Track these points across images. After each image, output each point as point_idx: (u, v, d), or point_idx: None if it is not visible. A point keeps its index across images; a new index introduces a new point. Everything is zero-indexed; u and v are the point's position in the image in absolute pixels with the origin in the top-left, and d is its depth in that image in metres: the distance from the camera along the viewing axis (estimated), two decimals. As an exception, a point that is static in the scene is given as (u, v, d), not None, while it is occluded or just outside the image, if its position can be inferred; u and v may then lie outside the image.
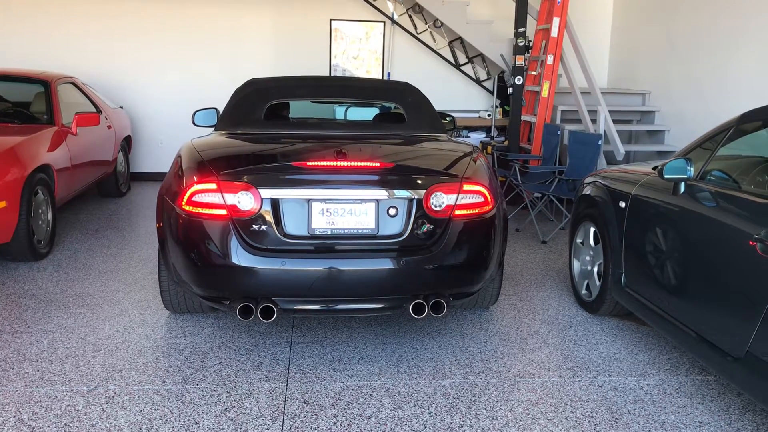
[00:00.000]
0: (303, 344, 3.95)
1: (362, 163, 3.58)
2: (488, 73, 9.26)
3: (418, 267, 3.51)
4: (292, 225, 3.47)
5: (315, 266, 3.44)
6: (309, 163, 3.54)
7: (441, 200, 3.55)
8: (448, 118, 5.38)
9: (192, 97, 9.00)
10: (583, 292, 4.64)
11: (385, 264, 3.48)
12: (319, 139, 4.13)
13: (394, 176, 3.57)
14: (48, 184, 5.61)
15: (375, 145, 4.05)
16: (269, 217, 3.45)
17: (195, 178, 3.55)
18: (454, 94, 9.34)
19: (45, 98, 6.41)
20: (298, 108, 5.87)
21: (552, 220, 7.11)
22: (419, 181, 3.57)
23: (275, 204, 3.46)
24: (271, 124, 4.47)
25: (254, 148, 4.02)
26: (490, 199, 3.69)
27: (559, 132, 7.22)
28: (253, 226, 3.45)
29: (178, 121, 8.95)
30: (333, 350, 3.88)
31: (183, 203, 3.53)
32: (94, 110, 7.29)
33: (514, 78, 7.76)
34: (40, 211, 5.47)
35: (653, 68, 8.23)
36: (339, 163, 3.53)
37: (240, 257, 3.42)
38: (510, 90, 7.99)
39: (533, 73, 8.21)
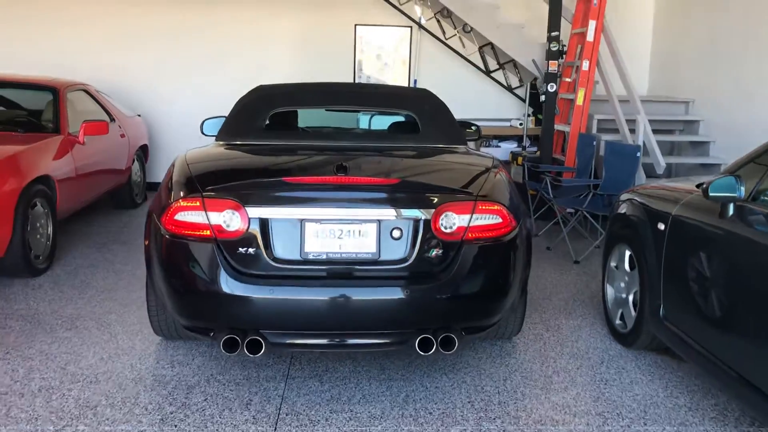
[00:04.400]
0: (300, 379, 3.56)
1: (363, 179, 3.18)
2: (520, 80, 8.81)
3: (425, 297, 3.10)
4: (283, 248, 3.09)
5: (308, 295, 3.06)
6: (302, 179, 3.16)
7: (452, 221, 3.13)
8: (472, 128, 4.95)
9: (213, 104, 8.64)
10: (618, 322, 4.17)
11: (387, 293, 3.08)
12: (324, 151, 3.75)
13: (399, 194, 3.17)
14: (48, 196, 5.33)
15: (382, 159, 3.65)
16: (257, 239, 3.07)
17: (180, 195, 3.19)
18: (485, 102, 8.90)
19: (53, 106, 6.15)
20: (315, 118, 5.50)
21: (586, 238, 6.62)
22: (428, 200, 3.16)
23: (264, 224, 3.08)
24: (274, 135, 4.11)
25: (248, 162, 3.66)
26: (509, 221, 3.25)
27: (594, 142, 6.73)
28: (240, 248, 3.08)
29: (198, 130, 8.65)
30: (332, 387, 3.48)
31: (166, 222, 3.18)
32: (107, 118, 7.03)
33: (547, 85, 7.29)
34: (38, 224, 5.18)
35: (698, 74, 7.69)
36: (335, 179, 3.14)
37: (224, 283, 3.05)
38: (543, 98, 7.52)
39: (567, 79, 7.74)
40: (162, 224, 3.21)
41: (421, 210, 3.11)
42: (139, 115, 8.20)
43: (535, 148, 8.24)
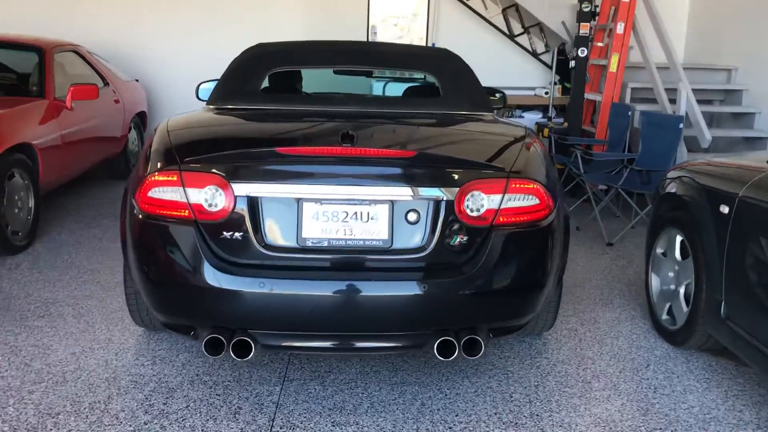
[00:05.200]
0: (298, 381, 3.07)
1: (372, 151, 2.65)
2: (546, 45, 8.18)
3: (446, 292, 2.59)
4: (276, 233, 2.58)
5: (305, 290, 2.55)
6: (300, 150, 2.64)
7: (480, 202, 2.60)
8: (497, 95, 4.38)
9: (217, 69, 8.08)
10: (664, 317, 3.63)
11: (401, 288, 2.57)
12: (328, 118, 3.21)
13: (416, 168, 2.64)
14: (28, 166, 4.83)
15: (396, 127, 3.12)
16: (245, 222, 2.56)
17: (156, 167, 2.68)
18: (508, 69, 8.28)
19: (38, 68, 5.64)
20: (322, 83, 4.94)
21: (618, 216, 6.06)
22: (451, 176, 2.63)
23: (254, 204, 2.56)
24: (272, 99, 3.58)
25: (237, 129, 3.14)
26: (547, 202, 2.72)
27: (629, 113, 6.14)
28: (224, 233, 2.56)
29: (200, 97, 8.13)
30: (336, 392, 2.99)
31: (139, 199, 2.68)
32: (99, 82, 6.51)
33: (578, 49, 6.68)
34: (16, 197, 4.70)
35: (741, 40, 7.04)
36: (340, 151, 2.61)
37: (205, 274, 2.55)
38: (572, 63, 6.91)
39: (600, 44, 7.11)
40: (135, 202, 2.71)
41: (443, 188, 2.58)
42: (136, 80, 7.66)
43: (561, 119, 7.65)
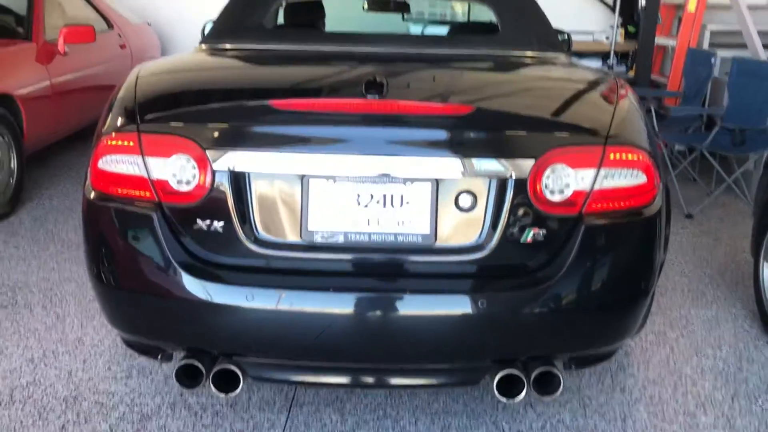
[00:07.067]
0: (310, 407, 2.35)
1: (408, 104, 1.86)
2: (608, -17, 7.21)
3: (512, 309, 1.82)
4: (272, 223, 1.82)
5: (311, 304, 1.80)
6: (304, 103, 1.86)
7: (564, 181, 1.81)
8: (560, 37, 3.54)
9: (237, 12, 7.36)
10: (783, 321, 2.83)
11: (448, 303, 1.81)
12: (350, 60, 2.40)
13: (471, 132, 1.84)
14: (8, 121, 4.14)
15: (441, 72, 2.31)
16: (228, 207, 1.81)
17: (111, 126, 1.94)
18: (562, 10, 7.20)
19: (27, 7, 4.91)
20: (350, 26, 4.08)
21: (695, 181, 5.18)
22: (522, 143, 1.83)
23: (239, 181, 1.81)
24: (279, 36, 2.80)
25: (224, 75, 2.35)
26: (654, 179, 1.92)
27: (713, 60, 5.19)
28: (199, 221, 1.82)
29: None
30: (359, 424, 2.27)
31: (91, 172, 1.95)
32: (103, 25, 5.77)
33: (650, -15, 5.72)
34: (-7, 157, 4.03)
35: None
36: (362, 105, 1.83)
37: (172, 279, 1.82)
38: (641, 2, 5.95)
39: (674, -20, 6.13)
40: (88, 176, 1.98)
41: (510, 161, 1.79)
42: (148, 23, 6.90)
43: (624, 68, 6.72)
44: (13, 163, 4.23)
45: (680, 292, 3.37)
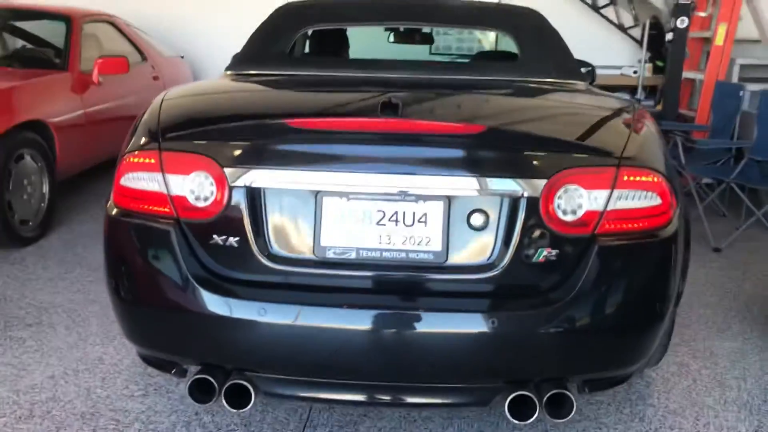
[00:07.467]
0: (324, 427, 2.35)
1: (423, 124, 1.89)
2: (635, 18, 7.22)
3: (524, 329, 1.81)
4: (286, 239, 1.85)
5: (323, 320, 1.81)
6: (319, 123, 1.90)
7: (577, 201, 1.81)
8: (584, 69, 3.54)
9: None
10: (811, 354, 2.76)
11: (459, 322, 1.81)
12: (369, 85, 2.45)
13: (485, 151, 1.86)
14: (42, 147, 4.26)
15: (458, 96, 2.34)
16: (243, 223, 1.84)
17: (134, 145, 2.00)
18: (590, 44, 7.27)
19: (64, 39, 5.08)
20: (373, 51, 4.15)
21: (724, 216, 5.12)
22: (535, 163, 1.84)
23: (255, 198, 1.84)
24: (301, 63, 2.86)
25: (244, 98, 2.41)
26: (670, 201, 1.91)
27: (741, 93, 5.16)
28: (215, 237, 1.86)
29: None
30: (371, 448, 2.25)
31: (114, 189, 2.01)
32: (137, 56, 5.94)
33: (677, 19, 5.73)
34: (26, 182, 4.13)
35: None
36: (377, 124, 1.86)
37: (188, 293, 1.85)
38: (668, 36, 5.96)
39: (702, 14, 6.12)
40: (111, 193, 2.04)
41: (523, 180, 1.80)
42: (181, 56, 7.08)
43: (651, 102, 6.69)
44: (45, 189, 4.34)
45: (705, 323, 3.31)
